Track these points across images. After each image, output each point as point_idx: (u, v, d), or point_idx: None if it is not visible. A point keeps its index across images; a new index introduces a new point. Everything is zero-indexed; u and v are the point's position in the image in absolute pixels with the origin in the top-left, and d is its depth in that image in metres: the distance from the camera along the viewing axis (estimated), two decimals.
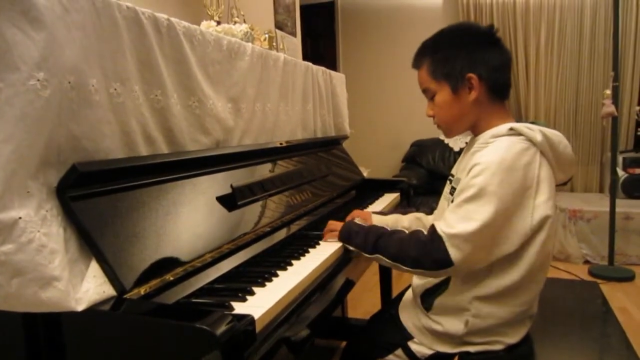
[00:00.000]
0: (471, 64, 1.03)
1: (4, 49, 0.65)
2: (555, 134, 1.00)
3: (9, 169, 0.65)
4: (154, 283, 0.79)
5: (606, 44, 3.73)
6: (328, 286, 1.03)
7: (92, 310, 0.70)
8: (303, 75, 1.77)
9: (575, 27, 3.83)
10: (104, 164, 0.82)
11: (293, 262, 1.05)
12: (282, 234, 1.22)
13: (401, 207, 1.90)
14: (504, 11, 3.98)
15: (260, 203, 1.21)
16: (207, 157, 1.10)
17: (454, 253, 0.93)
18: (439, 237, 0.95)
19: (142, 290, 0.76)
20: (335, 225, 1.22)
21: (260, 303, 0.81)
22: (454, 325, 1.06)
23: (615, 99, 2.85)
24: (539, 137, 0.97)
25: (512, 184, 0.94)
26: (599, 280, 2.82)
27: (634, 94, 3.73)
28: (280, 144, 1.47)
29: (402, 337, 1.16)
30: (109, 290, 0.73)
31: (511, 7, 3.94)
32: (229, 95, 1.27)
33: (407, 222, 1.30)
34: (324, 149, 1.86)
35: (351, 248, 1.13)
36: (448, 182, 1.17)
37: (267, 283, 0.91)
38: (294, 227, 1.29)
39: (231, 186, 1.10)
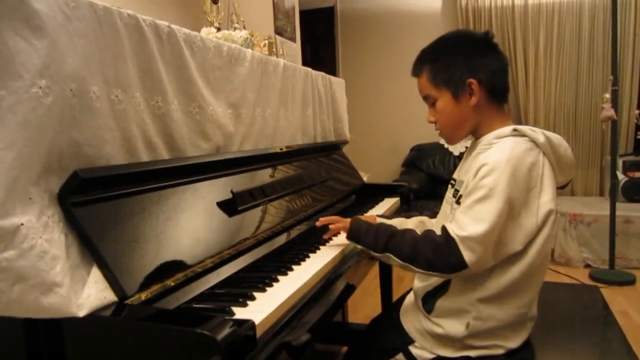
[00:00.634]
0: (470, 69, 1.04)
1: (6, 57, 0.66)
2: (556, 137, 1.03)
3: (11, 176, 0.65)
4: (155, 288, 0.79)
5: (605, 47, 3.74)
6: (328, 291, 1.03)
7: (93, 316, 0.70)
8: (303, 80, 1.77)
9: (574, 31, 3.84)
10: (105, 170, 0.82)
11: (293, 267, 1.05)
12: (282, 239, 1.23)
13: (402, 211, 1.90)
14: (503, 15, 3.99)
15: (260, 208, 1.21)
16: (208, 162, 1.11)
17: (468, 256, 0.94)
18: (453, 240, 0.95)
19: (143, 296, 0.77)
20: (341, 220, 1.21)
21: (260, 308, 0.81)
22: (455, 327, 1.06)
23: (615, 102, 2.86)
24: (541, 139, 0.98)
25: (519, 183, 0.96)
26: (599, 284, 2.81)
27: (633, 97, 3.74)
28: (280, 149, 1.48)
29: (403, 342, 1.16)
30: (110, 296, 0.73)
31: (510, 11, 3.96)
32: (229, 101, 1.27)
33: (412, 225, 1.31)
34: (324, 154, 1.87)
35: (359, 247, 1.13)
36: (450, 186, 1.17)
37: (267, 288, 0.92)
38: (294, 232, 1.29)
39: (231, 191, 1.11)
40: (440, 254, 0.97)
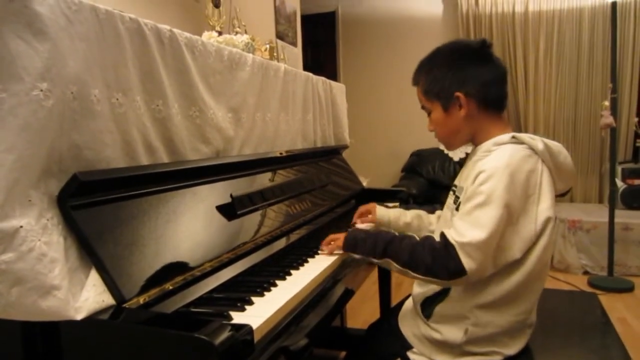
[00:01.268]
0: (459, 82, 1.06)
1: (8, 60, 0.66)
2: (555, 144, 1.03)
3: (11, 178, 0.65)
4: (153, 292, 0.79)
5: (604, 55, 3.75)
6: (327, 296, 1.03)
7: (91, 319, 0.70)
8: (303, 85, 1.78)
9: (574, 38, 3.86)
10: (104, 173, 0.82)
11: (292, 271, 1.05)
12: (281, 244, 1.23)
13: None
14: (503, 22, 4.01)
15: (259, 212, 1.21)
16: (207, 166, 1.11)
17: (467, 262, 0.94)
18: (452, 246, 0.95)
19: (142, 300, 0.77)
20: (336, 236, 1.21)
21: (259, 313, 0.81)
22: (453, 333, 1.06)
23: (614, 110, 2.87)
24: (540, 146, 0.99)
25: (517, 189, 0.96)
26: (598, 291, 2.81)
27: (632, 105, 3.75)
28: (280, 153, 1.48)
29: (402, 347, 1.15)
30: (108, 299, 0.73)
31: (510, 18, 3.97)
32: (229, 105, 1.27)
33: (410, 217, 1.38)
34: (324, 159, 1.87)
35: (357, 256, 1.13)
36: (451, 192, 1.18)
37: (266, 293, 0.92)
38: (294, 237, 1.30)
39: (231, 195, 1.11)
40: (439, 260, 0.97)
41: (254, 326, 0.72)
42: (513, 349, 1.05)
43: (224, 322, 0.73)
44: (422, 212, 1.36)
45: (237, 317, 0.79)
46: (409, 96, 1.38)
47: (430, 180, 3.93)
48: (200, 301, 0.88)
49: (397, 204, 1.92)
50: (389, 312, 1.41)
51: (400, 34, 4.41)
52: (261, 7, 2.67)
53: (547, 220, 0.99)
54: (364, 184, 2.15)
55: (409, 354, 1.14)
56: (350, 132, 2.30)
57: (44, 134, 0.70)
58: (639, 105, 3.75)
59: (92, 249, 0.74)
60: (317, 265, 1.10)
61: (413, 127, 4.25)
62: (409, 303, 1.25)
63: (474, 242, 0.93)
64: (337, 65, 4.67)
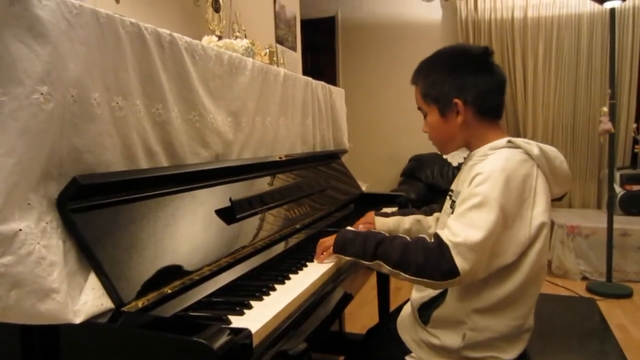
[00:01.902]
0: (458, 89, 1.06)
1: (8, 63, 0.66)
2: (551, 149, 1.03)
3: (11, 181, 0.66)
4: (152, 296, 0.79)
5: (603, 61, 3.77)
6: (326, 300, 1.03)
7: (90, 323, 0.70)
8: (303, 89, 1.78)
9: (573, 44, 3.88)
10: (104, 176, 0.82)
11: (291, 275, 1.05)
12: (280, 248, 1.23)
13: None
14: (502, 28, 4.02)
15: (259, 216, 1.21)
16: (207, 170, 1.11)
17: (460, 262, 0.92)
18: (445, 245, 0.95)
19: (140, 303, 0.77)
20: (326, 240, 1.18)
21: (257, 317, 0.81)
22: (451, 338, 1.06)
23: (612, 116, 2.88)
24: (535, 151, 0.99)
25: (512, 193, 0.96)
26: (596, 297, 2.81)
27: (630, 111, 3.76)
28: (280, 157, 1.48)
29: (400, 352, 1.15)
30: (107, 303, 0.73)
31: (509, 24, 3.99)
32: (229, 109, 1.28)
33: (409, 223, 1.36)
34: (323, 163, 1.87)
35: (347, 258, 1.10)
36: (448, 197, 1.18)
37: (264, 297, 0.91)
38: (293, 241, 1.29)
39: (230, 199, 1.11)
40: (431, 259, 0.95)
41: (253, 330, 0.72)
42: (511, 354, 1.05)
43: (223, 326, 0.73)
44: (420, 217, 1.36)
45: (236, 321, 0.79)
46: (408, 101, 1.38)
47: (429, 185, 3.94)
48: (199, 305, 0.87)
49: (396, 209, 1.92)
50: (388, 316, 1.41)
51: (399, 39, 4.42)
52: (261, 11, 2.68)
53: (542, 225, 0.99)
54: (363, 188, 2.15)
55: (408, 358, 1.14)
56: (350, 137, 2.30)
57: (44, 138, 0.70)
58: (637, 111, 3.77)
59: (91, 253, 0.74)
60: (316, 270, 1.10)
61: (412, 131, 4.25)
62: (407, 308, 1.24)
63: (468, 243, 0.93)
64: (336, 70, 4.68)
